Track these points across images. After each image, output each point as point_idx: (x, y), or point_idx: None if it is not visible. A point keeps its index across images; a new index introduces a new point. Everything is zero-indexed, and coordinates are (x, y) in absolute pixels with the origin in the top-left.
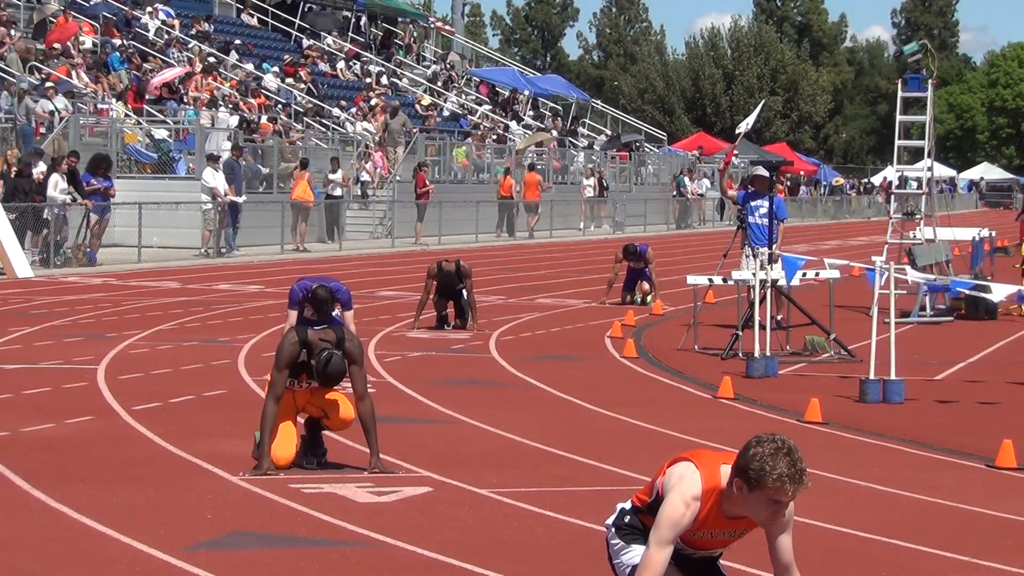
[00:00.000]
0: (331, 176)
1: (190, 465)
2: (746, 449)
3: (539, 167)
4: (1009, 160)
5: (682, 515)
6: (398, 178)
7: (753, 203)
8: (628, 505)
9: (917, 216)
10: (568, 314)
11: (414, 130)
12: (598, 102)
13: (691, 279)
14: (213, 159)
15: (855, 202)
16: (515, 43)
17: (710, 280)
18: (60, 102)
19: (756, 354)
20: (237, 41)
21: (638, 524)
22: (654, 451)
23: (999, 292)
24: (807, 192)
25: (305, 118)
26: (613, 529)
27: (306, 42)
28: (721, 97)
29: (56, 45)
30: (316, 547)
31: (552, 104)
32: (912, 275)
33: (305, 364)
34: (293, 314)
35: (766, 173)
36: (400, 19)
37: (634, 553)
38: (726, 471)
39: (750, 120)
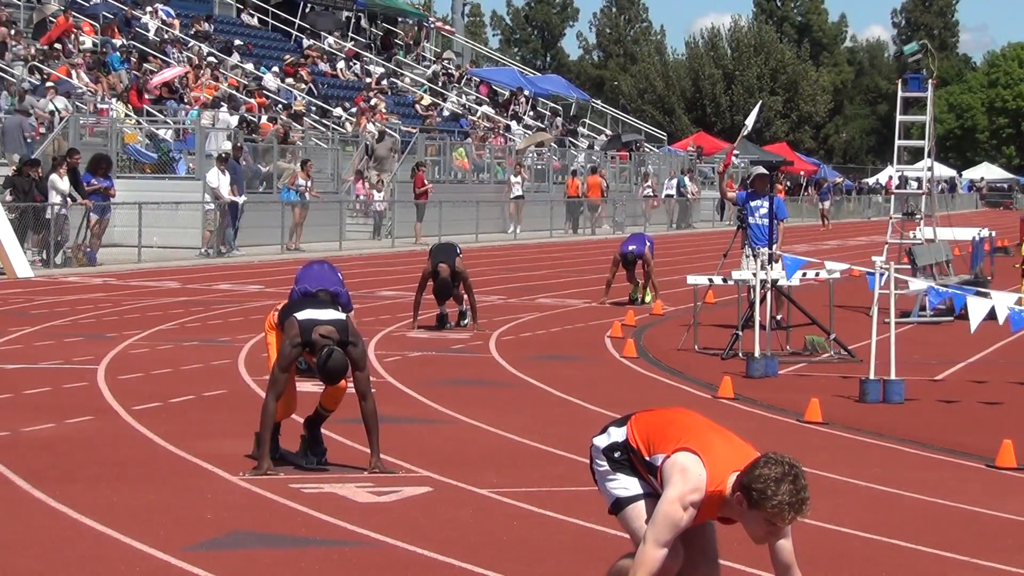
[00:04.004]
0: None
1: (190, 465)
2: (753, 467)
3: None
4: (1009, 160)
5: (680, 518)
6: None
7: (753, 203)
8: (622, 438)
9: (917, 216)
10: (568, 314)
11: (414, 129)
12: (598, 102)
13: (691, 279)
14: (221, 160)
15: (852, 203)
16: (515, 43)
17: (710, 280)
18: (60, 102)
19: (756, 354)
20: (237, 41)
21: (627, 461)
22: None
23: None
24: (825, 193)
25: (305, 118)
26: (602, 454)
27: (306, 42)
28: (721, 97)
29: (56, 45)
30: (316, 547)
31: (552, 104)
32: (914, 285)
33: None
34: None
35: (766, 172)
36: (400, 19)
37: (619, 483)
38: (733, 480)
39: (749, 122)
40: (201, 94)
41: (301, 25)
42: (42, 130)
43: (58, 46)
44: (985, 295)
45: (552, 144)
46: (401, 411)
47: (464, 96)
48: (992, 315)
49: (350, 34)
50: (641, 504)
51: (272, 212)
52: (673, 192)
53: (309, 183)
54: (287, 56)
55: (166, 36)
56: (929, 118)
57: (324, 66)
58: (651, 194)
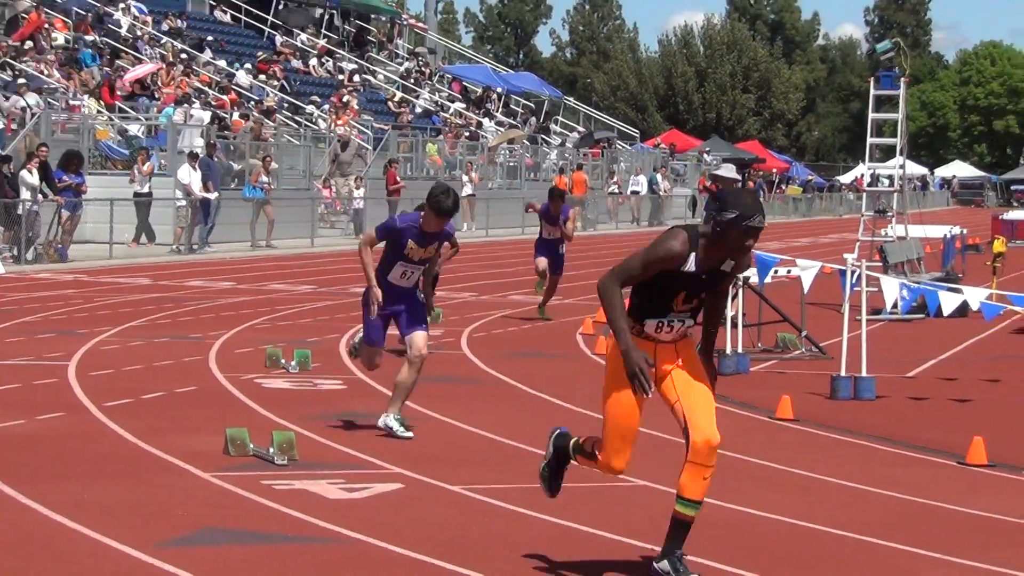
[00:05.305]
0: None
1: (161, 461)
2: None
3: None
4: (981, 158)
5: None
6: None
7: None
8: None
9: (889, 214)
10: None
11: (387, 126)
12: (571, 99)
13: None
14: (192, 157)
15: (824, 201)
16: (488, 40)
17: None
18: (32, 98)
19: (728, 351)
20: (210, 37)
21: None
22: None
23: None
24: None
25: (277, 114)
26: None
27: (279, 39)
28: (694, 95)
29: (28, 41)
30: (288, 544)
31: (524, 101)
32: (887, 289)
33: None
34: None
35: (729, 175)
36: (373, 16)
37: None
38: None
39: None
40: (173, 91)
41: (274, 22)
42: (13, 126)
43: (30, 43)
44: (957, 291)
45: (524, 141)
46: (374, 408)
47: (437, 93)
48: (963, 312)
49: (323, 31)
50: None
51: (244, 209)
52: (639, 189)
53: (270, 180)
54: (260, 53)
55: (138, 33)
56: (901, 116)
57: (297, 63)
58: (616, 191)
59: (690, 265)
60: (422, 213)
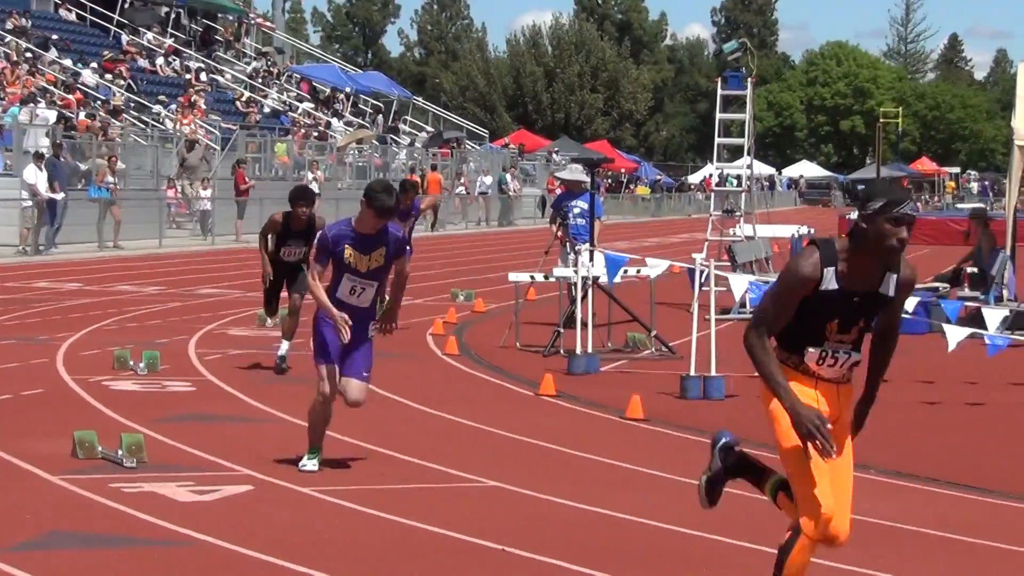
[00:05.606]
0: None
1: (8, 465)
2: None
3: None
4: (827, 158)
5: None
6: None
7: (570, 203)
8: None
9: (737, 213)
10: None
11: (235, 126)
12: (419, 99)
13: (512, 276)
14: (38, 157)
15: (673, 200)
16: (336, 40)
17: (532, 277)
18: None
19: (577, 351)
20: (55, 36)
21: None
22: (477, 449)
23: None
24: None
25: (124, 114)
26: None
27: (125, 38)
28: (542, 95)
29: None
30: (136, 547)
31: (373, 101)
32: (736, 286)
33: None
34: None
35: (574, 177)
36: (220, 15)
37: None
38: None
39: None
40: (18, 90)
41: (120, 20)
42: None
43: None
44: None
45: (373, 141)
46: (223, 409)
47: (285, 93)
48: None
49: (169, 30)
50: None
51: (91, 210)
52: (486, 190)
53: (115, 180)
54: (106, 52)
55: None
56: (748, 116)
57: (143, 62)
58: (464, 192)
59: (829, 282)
60: (352, 219)
